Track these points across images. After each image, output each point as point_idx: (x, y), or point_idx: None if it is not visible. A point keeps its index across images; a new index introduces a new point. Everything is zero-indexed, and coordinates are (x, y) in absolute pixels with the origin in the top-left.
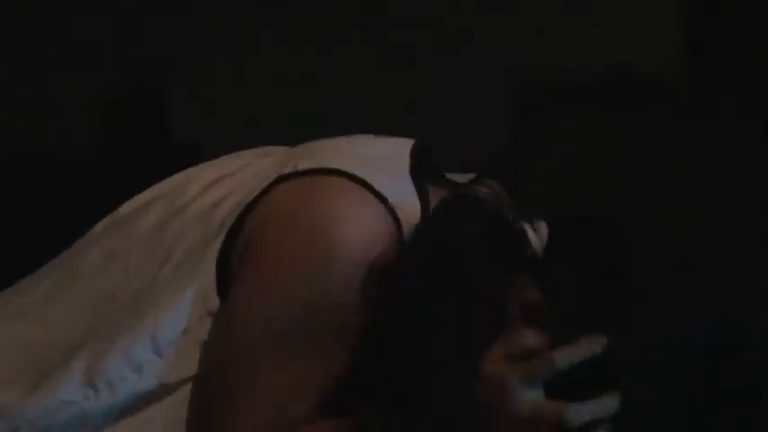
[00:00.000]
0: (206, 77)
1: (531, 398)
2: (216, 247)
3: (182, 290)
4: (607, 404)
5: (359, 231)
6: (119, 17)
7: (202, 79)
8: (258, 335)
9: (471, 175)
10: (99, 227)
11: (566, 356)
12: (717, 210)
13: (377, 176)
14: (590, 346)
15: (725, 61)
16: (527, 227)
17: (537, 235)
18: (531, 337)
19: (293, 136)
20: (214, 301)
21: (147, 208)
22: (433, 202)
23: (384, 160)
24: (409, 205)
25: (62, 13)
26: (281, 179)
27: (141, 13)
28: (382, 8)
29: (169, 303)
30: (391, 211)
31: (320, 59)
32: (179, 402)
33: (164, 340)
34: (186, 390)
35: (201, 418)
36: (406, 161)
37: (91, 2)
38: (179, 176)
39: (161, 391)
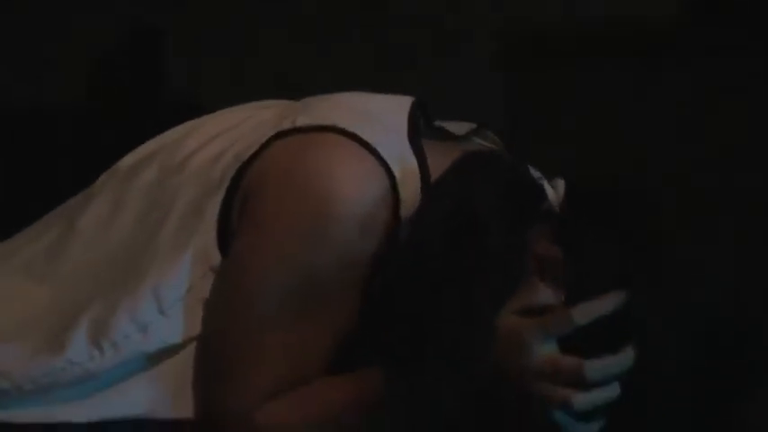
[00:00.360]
0: (206, 77)
1: (546, 352)
2: (216, 201)
3: (183, 248)
4: (623, 360)
5: (353, 187)
6: (118, 17)
7: (202, 79)
8: (257, 294)
9: (470, 125)
10: (99, 181)
11: (584, 313)
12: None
13: (373, 132)
14: (608, 303)
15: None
16: (544, 181)
17: (555, 191)
18: (547, 293)
19: None
20: (216, 258)
21: (149, 162)
22: (432, 156)
23: (381, 116)
24: (405, 161)
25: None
26: (280, 135)
27: (141, 13)
28: (382, 8)
29: (171, 262)
30: (386, 167)
31: (320, 59)
32: (185, 361)
33: (167, 299)
34: (192, 349)
35: (205, 379)
36: (404, 117)
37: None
38: (180, 129)
39: (167, 351)
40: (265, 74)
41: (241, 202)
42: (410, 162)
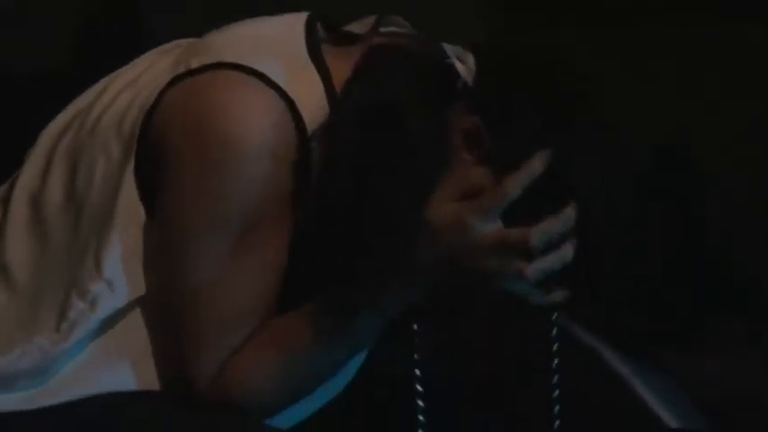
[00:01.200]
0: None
1: (490, 230)
2: (131, 157)
3: (110, 212)
4: (565, 219)
5: (246, 120)
6: None
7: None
8: (190, 238)
9: (370, 19)
10: (28, 159)
11: (515, 183)
12: None
13: (264, 59)
14: (535, 167)
15: None
16: (454, 59)
17: (465, 65)
18: (479, 172)
19: None
20: (142, 214)
21: (66, 131)
22: (338, 64)
23: (276, 39)
24: (305, 78)
25: None
26: (175, 80)
27: None
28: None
29: (102, 229)
30: (279, 90)
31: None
32: (137, 326)
33: (106, 265)
34: (138, 313)
35: (168, 348)
36: (301, 35)
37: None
38: (93, 89)
39: (116, 318)
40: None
41: (154, 152)
42: (312, 77)
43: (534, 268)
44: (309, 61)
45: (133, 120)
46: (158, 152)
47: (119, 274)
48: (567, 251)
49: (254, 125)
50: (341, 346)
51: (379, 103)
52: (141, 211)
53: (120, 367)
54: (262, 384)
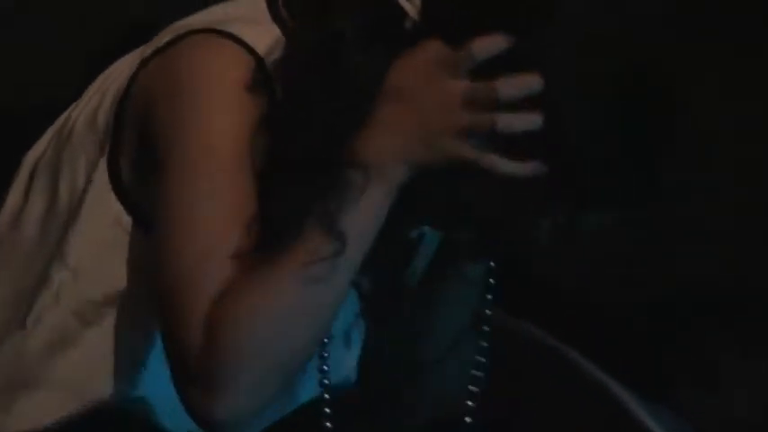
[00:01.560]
0: None
1: (458, 83)
2: (105, 153)
3: (78, 207)
4: (534, 79)
5: (225, 73)
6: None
7: None
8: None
9: None
10: (11, 189)
11: (482, 46)
12: None
13: (234, 24)
14: (500, 39)
15: None
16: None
17: (411, 3)
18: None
19: None
20: (116, 206)
21: (47, 149)
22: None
23: (240, 11)
24: (271, 39)
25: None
26: (144, 62)
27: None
28: None
29: (69, 223)
30: (250, 50)
31: None
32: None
33: (75, 258)
34: (111, 314)
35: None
36: (262, 3)
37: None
38: (69, 109)
39: (86, 313)
40: None
41: (134, 137)
42: (276, 36)
43: (504, 119)
44: (273, 23)
45: (106, 112)
46: (140, 131)
47: (85, 264)
48: (536, 117)
49: (227, 77)
50: (353, 251)
51: (324, 40)
52: (114, 204)
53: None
54: (252, 326)
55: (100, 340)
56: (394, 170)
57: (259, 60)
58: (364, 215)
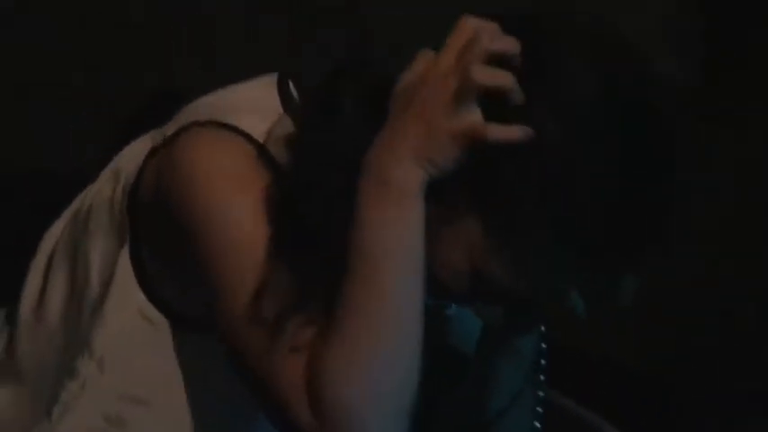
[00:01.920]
0: (205, 77)
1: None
2: (126, 245)
3: (103, 298)
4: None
5: (217, 166)
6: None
7: (202, 78)
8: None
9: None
10: (29, 275)
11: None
12: None
13: (240, 115)
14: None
15: None
16: None
17: None
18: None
19: None
20: (140, 298)
21: (63, 233)
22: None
23: (249, 98)
24: (283, 129)
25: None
26: (153, 152)
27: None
28: None
29: (96, 314)
30: (246, 137)
31: (320, 59)
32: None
33: (102, 352)
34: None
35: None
36: (274, 91)
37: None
38: (87, 188)
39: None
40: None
41: (152, 226)
42: (277, 120)
43: (479, 70)
44: (284, 113)
45: (119, 202)
46: (155, 222)
47: (110, 355)
48: (510, 78)
49: (228, 166)
50: (409, 254)
51: (326, 100)
52: (139, 296)
53: None
54: (362, 372)
55: None
56: (416, 174)
57: (259, 146)
58: (404, 226)
